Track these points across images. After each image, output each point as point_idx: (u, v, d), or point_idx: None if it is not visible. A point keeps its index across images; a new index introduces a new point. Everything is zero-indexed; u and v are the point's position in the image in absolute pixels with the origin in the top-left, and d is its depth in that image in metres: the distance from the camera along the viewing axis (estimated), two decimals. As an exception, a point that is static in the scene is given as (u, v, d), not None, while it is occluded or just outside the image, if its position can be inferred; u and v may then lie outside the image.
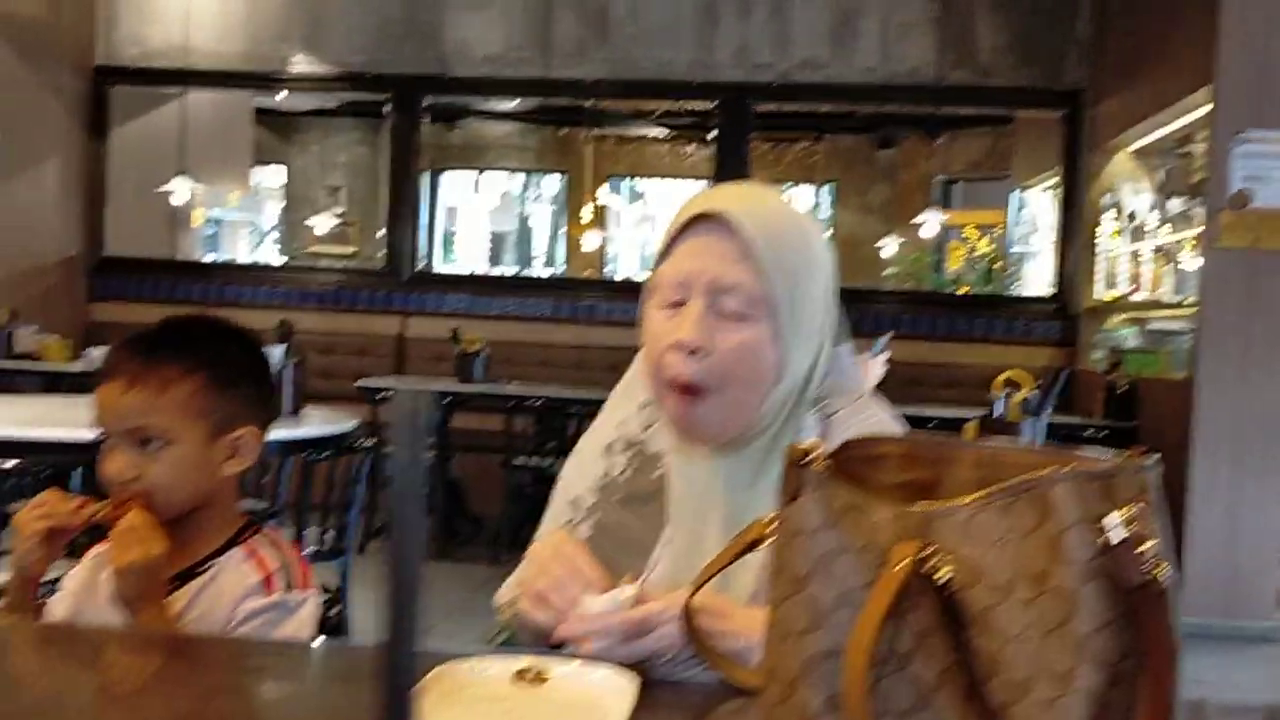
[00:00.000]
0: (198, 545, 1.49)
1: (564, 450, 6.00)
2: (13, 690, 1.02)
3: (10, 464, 2.69)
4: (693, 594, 1.02)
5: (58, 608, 1.47)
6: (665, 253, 1.25)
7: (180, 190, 6.74)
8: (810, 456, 0.80)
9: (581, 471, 1.37)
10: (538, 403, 5.95)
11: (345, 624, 3.27)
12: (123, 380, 1.42)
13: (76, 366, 5.84)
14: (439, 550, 5.83)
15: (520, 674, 1.01)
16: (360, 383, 6.18)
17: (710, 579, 1.00)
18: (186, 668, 1.14)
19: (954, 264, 10.85)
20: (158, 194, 6.85)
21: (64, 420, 3.08)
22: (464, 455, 6.37)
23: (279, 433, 3.48)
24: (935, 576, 0.79)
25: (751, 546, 0.95)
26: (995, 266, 10.04)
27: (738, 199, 1.26)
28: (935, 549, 0.81)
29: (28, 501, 1.43)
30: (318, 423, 3.72)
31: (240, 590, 1.44)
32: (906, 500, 0.87)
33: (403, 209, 7.15)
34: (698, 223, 1.23)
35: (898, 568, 0.77)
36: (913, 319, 6.55)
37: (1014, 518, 0.86)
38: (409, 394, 0.34)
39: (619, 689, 0.97)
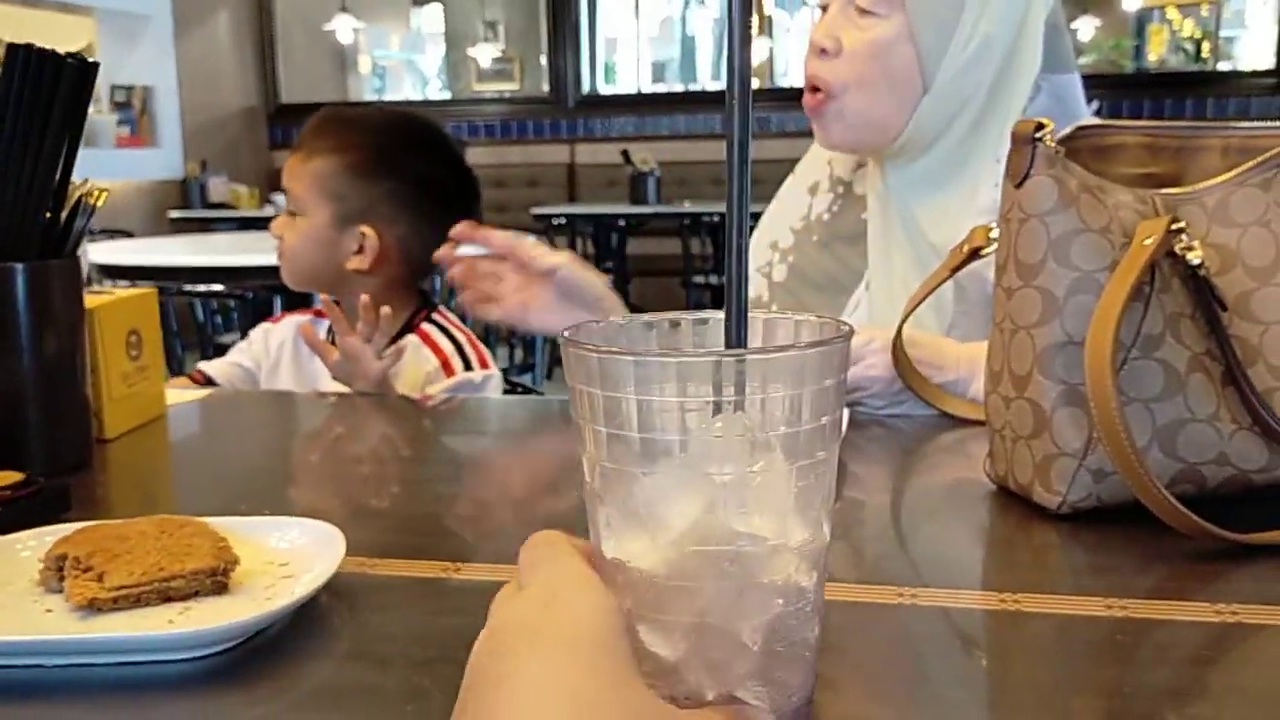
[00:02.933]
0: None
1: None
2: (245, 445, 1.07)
3: (217, 288, 2.83)
4: (905, 318, 0.97)
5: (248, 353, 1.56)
6: None
7: (343, 28, 6.81)
8: (1042, 132, 0.72)
9: (781, 213, 1.32)
10: (714, 219, 5.87)
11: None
12: (295, 147, 1.48)
13: (267, 211, 6.09)
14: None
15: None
16: (534, 211, 6.23)
17: (924, 299, 0.93)
18: (390, 420, 1.17)
19: (1155, 49, 9.96)
20: (324, 33, 6.94)
21: (260, 248, 3.21)
22: (642, 279, 6.39)
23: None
24: (1187, 258, 0.71)
25: (972, 256, 0.88)
26: (1203, 48, 9.17)
27: None
28: (1185, 228, 0.72)
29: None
30: (497, 241, 3.77)
31: (421, 376, 1.47)
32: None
33: (564, 31, 7.03)
34: None
35: (1148, 241, 0.69)
36: (1112, 104, 6.07)
37: (1276, 192, 0.76)
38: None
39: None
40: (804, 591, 0.40)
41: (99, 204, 0.88)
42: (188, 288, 2.70)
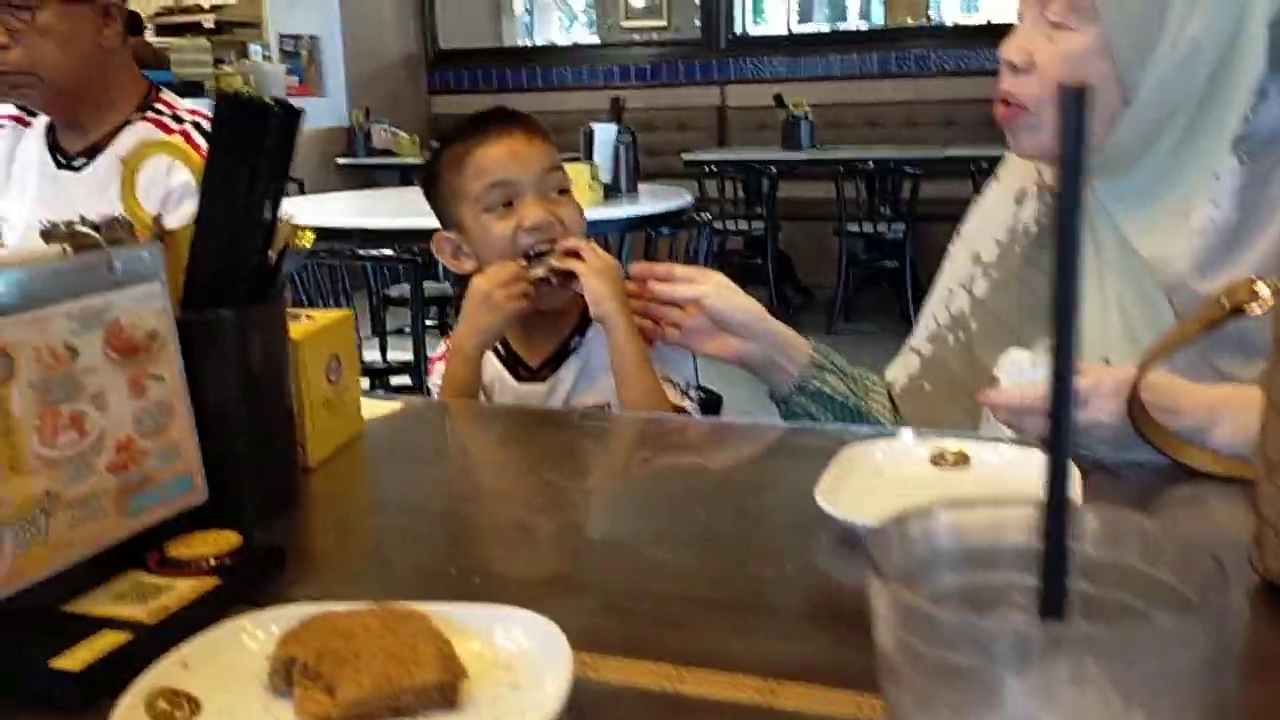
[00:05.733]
0: None
1: (900, 215, 5.70)
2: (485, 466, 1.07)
3: (386, 252, 2.88)
4: (1143, 369, 0.88)
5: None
6: None
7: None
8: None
9: (985, 222, 1.24)
10: (868, 165, 5.69)
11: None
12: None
13: (426, 158, 6.18)
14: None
15: (939, 456, 0.93)
16: (685, 157, 6.16)
17: (1172, 351, 0.85)
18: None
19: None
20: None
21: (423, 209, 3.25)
22: (792, 225, 6.27)
23: (618, 210, 3.54)
24: None
25: (1234, 314, 0.79)
26: None
27: None
28: None
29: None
30: (653, 199, 3.72)
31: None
32: None
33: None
34: None
35: None
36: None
37: None
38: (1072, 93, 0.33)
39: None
40: None
41: (305, 245, 0.87)
42: (360, 251, 2.76)
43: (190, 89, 5.04)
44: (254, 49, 6.28)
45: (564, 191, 1.45)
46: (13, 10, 1.50)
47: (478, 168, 1.42)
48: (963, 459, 0.92)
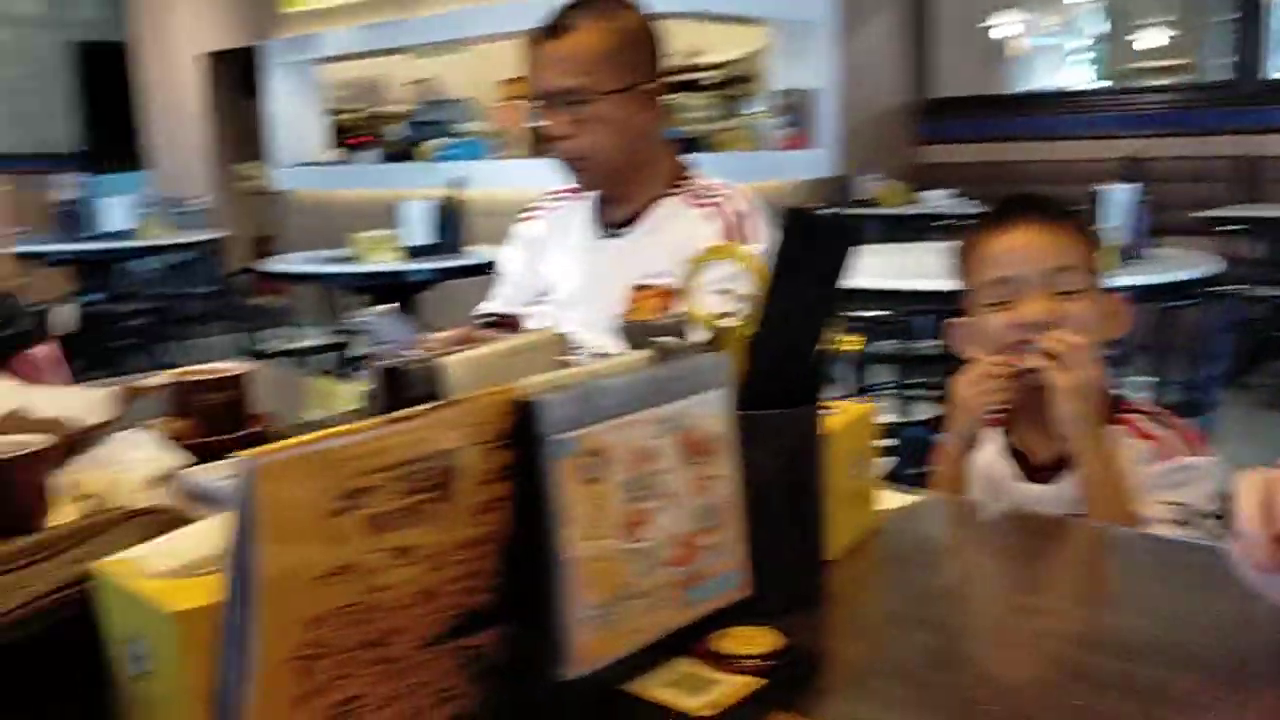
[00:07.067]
0: None
1: None
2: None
3: (876, 314, 2.87)
4: None
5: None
6: None
7: (1006, 22, 6.66)
8: None
9: None
10: None
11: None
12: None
13: (910, 210, 6.13)
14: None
15: None
16: (1201, 213, 5.60)
17: None
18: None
19: None
20: (983, 28, 6.84)
21: (913, 269, 3.21)
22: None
23: (1129, 277, 3.23)
24: None
25: None
26: None
27: None
28: None
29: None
30: (1171, 265, 3.38)
31: None
32: None
33: (1251, 5, 6.22)
34: None
35: None
36: None
37: None
38: None
39: None
40: None
41: (854, 348, 0.88)
42: (851, 314, 2.79)
43: (691, 145, 5.38)
44: (749, 104, 6.57)
45: (1078, 292, 1.33)
46: (571, 105, 1.69)
47: (983, 259, 1.38)
48: None
